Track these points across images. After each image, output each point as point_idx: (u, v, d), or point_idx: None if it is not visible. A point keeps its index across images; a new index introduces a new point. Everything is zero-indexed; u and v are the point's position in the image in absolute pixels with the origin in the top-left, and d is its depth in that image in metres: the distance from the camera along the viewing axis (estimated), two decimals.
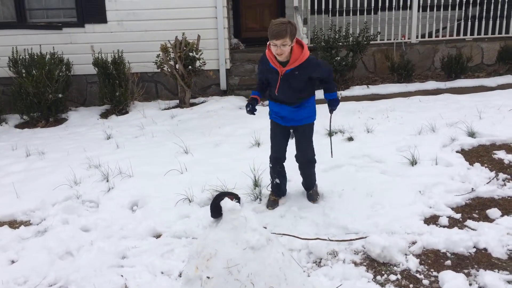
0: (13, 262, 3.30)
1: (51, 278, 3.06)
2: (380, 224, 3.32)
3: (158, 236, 3.56)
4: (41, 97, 7.11)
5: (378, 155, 4.59)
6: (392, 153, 4.59)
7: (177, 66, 7.41)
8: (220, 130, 6.07)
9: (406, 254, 2.98)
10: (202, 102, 7.90)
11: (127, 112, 7.61)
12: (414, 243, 3.09)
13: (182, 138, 5.52)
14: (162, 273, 3.05)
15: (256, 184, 4.12)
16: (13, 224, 3.88)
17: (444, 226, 3.28)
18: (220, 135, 5.89)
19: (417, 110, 6.15)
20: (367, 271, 2.86)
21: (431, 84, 7.66)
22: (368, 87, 7.69)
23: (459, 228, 3.23)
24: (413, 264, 2.87)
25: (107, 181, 4.52)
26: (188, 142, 5.39)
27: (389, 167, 4.31)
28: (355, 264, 2.95)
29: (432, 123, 5.17)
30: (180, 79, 7.47)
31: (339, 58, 7.84)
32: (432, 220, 3.38)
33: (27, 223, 3.87)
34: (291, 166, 3.90)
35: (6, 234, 3.65)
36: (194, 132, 6.10)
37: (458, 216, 3.40)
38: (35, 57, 7.26)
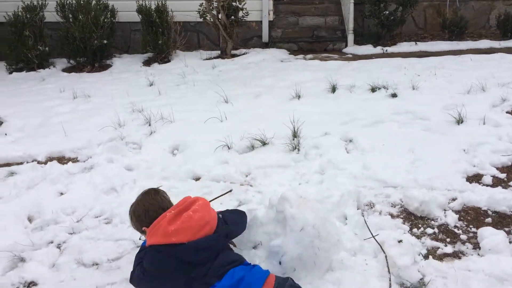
0: (61, 194, 3.49)
1: (97, 210, 3.22)
2: (420, 179, 3.27)
3: (197, 179, 3.65)
4: (87, 42, 7.26)
5: (422, 112, 4.46)
6: (438, 111, 4.45)
7: (219, 15, 7.34)
8: (261, 82, 6.04)
9: (445, 210, 2.94)
10: (244, 54, 7.84)
11: (169, 61, 7.68)
12: (454, 199, 3.04)
13: (222, 88, 5.54)
14: None
15: (295, 135, 4.11)
16: (62, 160, 4.08)
17: (487, 185, 3.19)
18: (260, 86, 5.86)
19: (467, 68, 5.88)
20: (404, 224, 2.85)
21: (484, 43, 7.28)
22: (416, 43, 7.39)
23: (503, 188, 3.14)
24: (451, 219, 2.83)
25: (149, 125, 4.64)
26: (228, 92, 5.40)
27: (433, 124, 4.18)
28: (392, 216, 2.94)
29: (482, 83, 4.94)
30: (222, 29, 7.40)
31: (387, 12, 7.52)
32: (475, 178, 3.29)
33: (74, 160, 4.06)
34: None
35: (55, 168, 3.85)
36: (235, 83, 6.10)
37: (503, 176, 3.29)
38: (82, 2, 7.35)
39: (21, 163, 4.02)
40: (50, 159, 4.09)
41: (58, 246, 2.88)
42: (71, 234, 2.99)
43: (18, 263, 2.70)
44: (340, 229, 2.68)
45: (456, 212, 2.92)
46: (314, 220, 2.37)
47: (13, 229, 3.01)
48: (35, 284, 2.56)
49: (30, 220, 3.17)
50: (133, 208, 2.30)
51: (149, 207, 2.23)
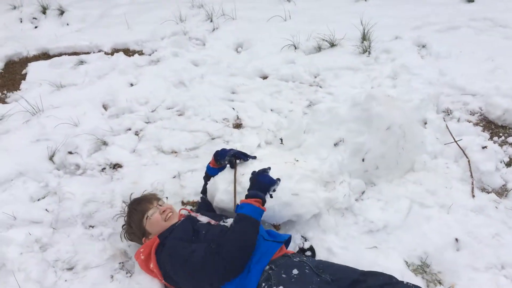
0: (132, 85, 3.53)
1: (169, 102, 3.26)
2: (502, 88, 3.09)
3: (265, 77, 3.60)
4: None
5: (502, 19, 4.12)
6: None
7: None
8: None
9: None
10: None
11: None
12: None
13: None
14: (271, 110, 3.15)
15: (364, 37, 3.92)
16: (127, 52, 4.08)
17: None
18: None
19: None
20: (483, 131, 2.77)
21: None
22: None
23: None
24: None
25: (211, 21, 4.52)
26: None
27: None
28: (472, 123, 2.85)
29: None
30: None
31: None
32: None
33: (140, 53, 4.05)
34: None
35: (122, 60, 3.87)
36: None
37: None
38: None
39: (88, 53, 4.05)
40: (116, 50, 4.10)
41: (136, 133, 2.97)
42: (147, 123, 3.07)
43: (101, 146, 2.83)
44: (422, 131, 2.64)
45: None
46: (401, 120, 2.32)
47: (92, 115, 3.11)
48: (120, 166, 2.69)
49: (105, 107, 3.25)
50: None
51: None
